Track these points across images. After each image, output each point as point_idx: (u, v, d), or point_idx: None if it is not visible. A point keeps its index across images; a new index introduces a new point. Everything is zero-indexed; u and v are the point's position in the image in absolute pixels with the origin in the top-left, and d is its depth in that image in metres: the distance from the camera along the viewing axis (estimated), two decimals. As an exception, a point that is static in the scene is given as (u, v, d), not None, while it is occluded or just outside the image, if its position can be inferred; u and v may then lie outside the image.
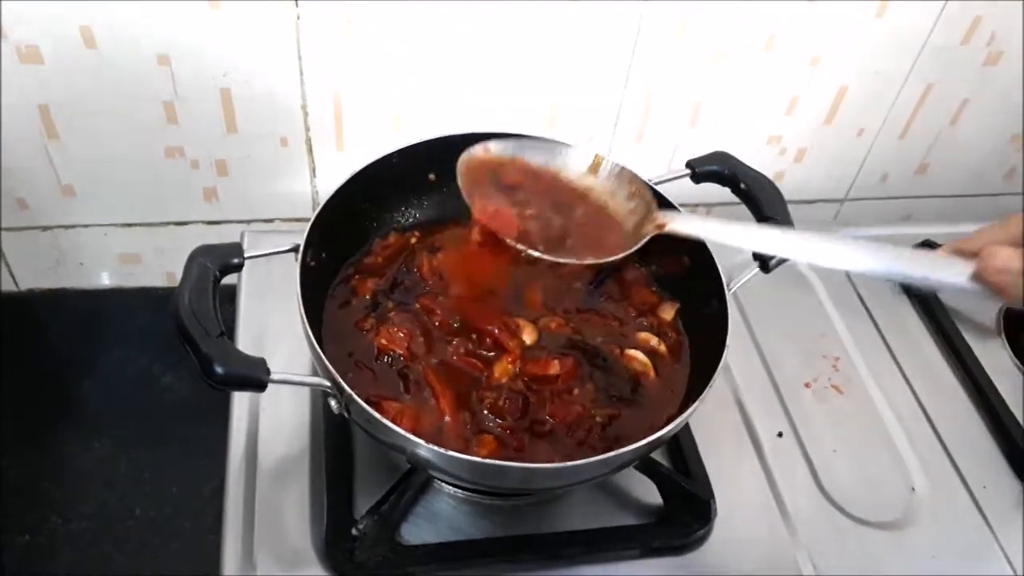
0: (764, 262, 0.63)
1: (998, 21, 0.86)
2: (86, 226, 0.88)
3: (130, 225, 0.89)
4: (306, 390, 0.69)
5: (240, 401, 0.68)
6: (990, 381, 0.76)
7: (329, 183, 0.88)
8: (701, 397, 0.55)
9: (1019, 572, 0.66)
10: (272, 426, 0.67)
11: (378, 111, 0.83)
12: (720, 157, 0.68)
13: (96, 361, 0.88)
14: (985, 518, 0.68)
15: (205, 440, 0.84)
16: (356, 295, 0.65)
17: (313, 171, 0.87)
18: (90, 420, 0.83)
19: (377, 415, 0.51)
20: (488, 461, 0.51)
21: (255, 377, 0.50)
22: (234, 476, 0.64)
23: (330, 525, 0.60)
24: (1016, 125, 0.97)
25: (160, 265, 0.93)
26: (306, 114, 0.82)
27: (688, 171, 0.68)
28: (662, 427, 0.53)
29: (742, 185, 0.66)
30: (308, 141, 0.84)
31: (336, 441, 0.64)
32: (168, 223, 0.89)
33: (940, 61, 0.89)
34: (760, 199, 0.66)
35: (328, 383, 0.52)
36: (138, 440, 0.83)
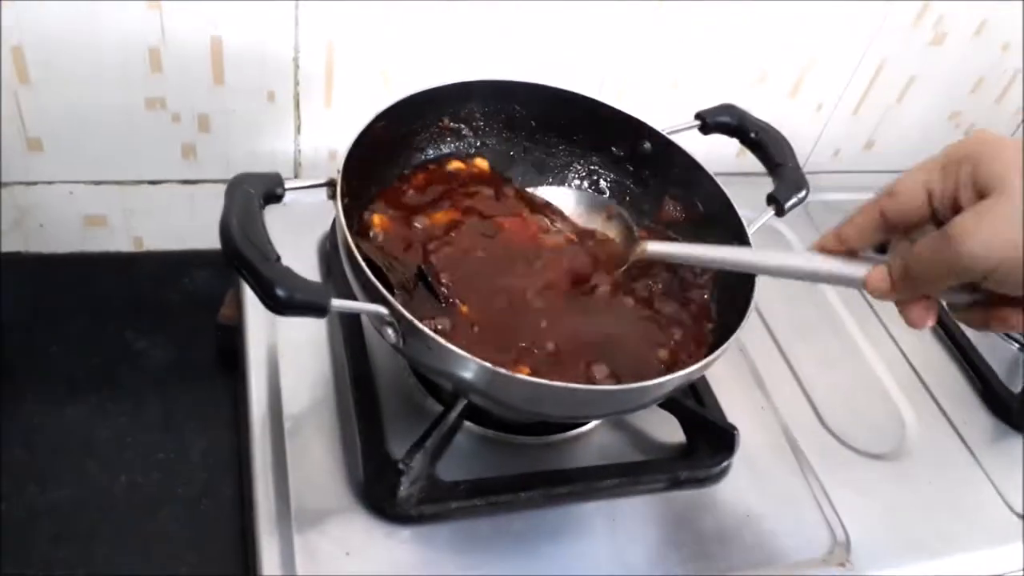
0: (780, 207, 0.66)
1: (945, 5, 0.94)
2: (50, 183, 0.83)
3: (99, 183, 0.84)
4: (323, 339, 0.68)
5: (256, 354, 0.66)
6: (961, 330, 0.82)
7: (313, 142, 0.87)
8: (741, 325, 0.57)
9: (1002, 492, 0.72)
10: (293, 377, 0.65)
11: (369, 66, 0.82)
12: (728, 108, 0.71)
13: (62, 327, 0.83)
14: (970, 450, 0.74)
15: (188, 404, 0.80)
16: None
17: (298, 129, 0.85)
18: (62, 386, 0.78)
19: (440, 339, 0.50)
20: (548, 383, 0.52)
21: (318, 302, 0.48)
22: (259, 429, 0.62)
23: (369, 465, 0.59)
24: (956, 103, 1.05)
25: (128, 229, 0.89)
26: (297, 67, 0.80)
27: (698, 122, 0.71)
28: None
29: (752, 135, 0.70)
30: (296, 96, 0.82)
31: (365, 384, 0.63)
32: (141, 182, 0.85)
33: (892, 40, 0.95)
34: (770, 148, 0.69)
35: (386, 310, 0.52)
36: (116, 406, 0.78)
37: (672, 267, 0.67)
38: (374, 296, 0.52)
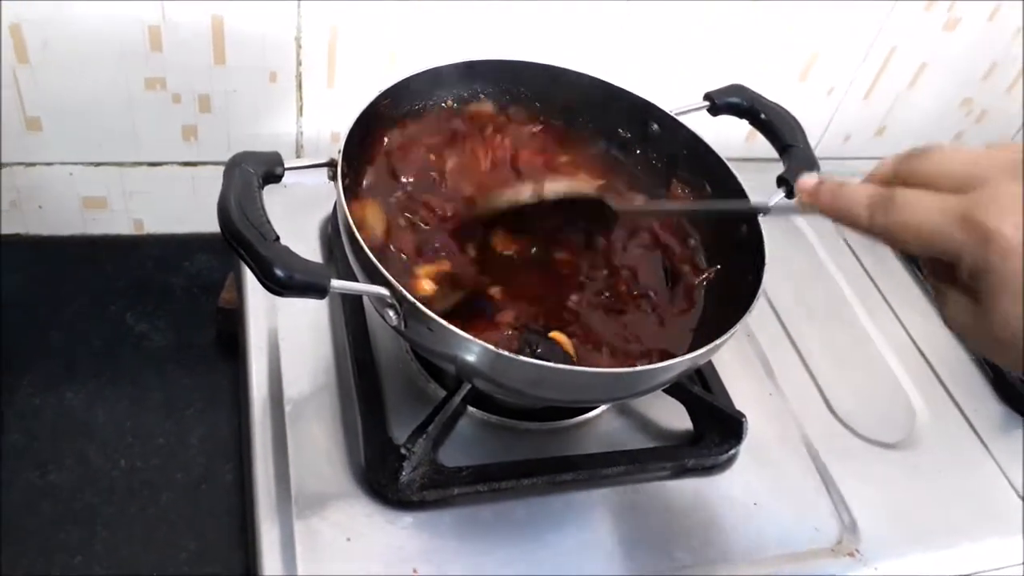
0: (790, 188, 0.65)
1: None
2: (49, 164, 0.82)
3: (98, 164, 0.83)
4: (325, 323, 0.67)
5: (257, 338, 0.65)
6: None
7: (315, 124, 0.85)
8: (749, 309, 0.56)
9: (1013, 482, 0.71)
10: (294, 361, 0.64)
11: (373, 46, 0.80)
12: (738, 89, 0.70)
13: (62, 310, 0.82)
14: (980, 438, 0.73)
15: (188, 388, 0.79)
16: None
17: (300, 110, 0.84)
18: (61, 370, 0.77)
19: (442, 320, 0.49)
20: (551, 365, 0.51)
21: (318, 283, 0.47)
22: (259, 413, 0.61)
23: (371, 450, 0.58)
24: (968, 89, 1.03)
25: (128, 211, 0.88)
26: (300, 46, 0.78)
27: (707, 103, 0.69)
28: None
29: (762, 116, 0.68)
30: (299, 76, 0.81)
31: (367, 368, 0.62)
32: (141, 163, 0.84)
33: (905, 24, 0.94)
34: (780, 129, 0.67)
35: (387, 292, 0.50)
36: (116, 390, 0.77)
37: (677, 254, 0.66)
38: (375, 277, 0.51)
